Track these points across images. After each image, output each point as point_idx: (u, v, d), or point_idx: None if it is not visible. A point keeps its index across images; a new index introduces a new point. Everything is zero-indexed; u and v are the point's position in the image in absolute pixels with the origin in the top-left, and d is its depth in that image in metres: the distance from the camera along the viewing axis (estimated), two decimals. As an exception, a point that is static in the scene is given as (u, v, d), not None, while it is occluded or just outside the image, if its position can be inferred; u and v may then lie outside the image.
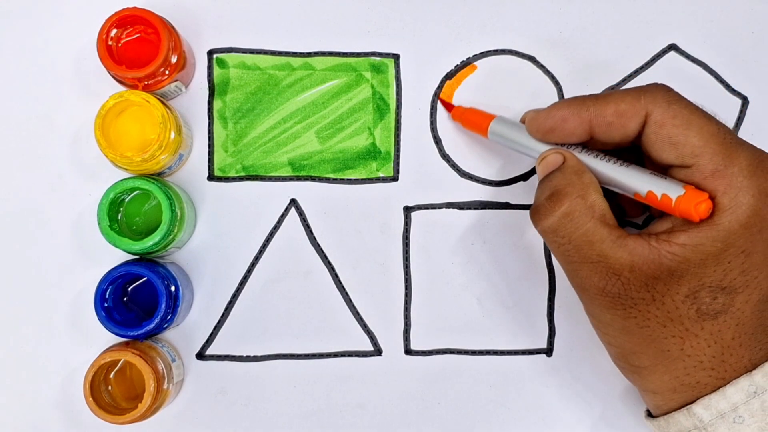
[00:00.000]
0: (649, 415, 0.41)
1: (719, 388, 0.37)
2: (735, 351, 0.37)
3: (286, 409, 0.45)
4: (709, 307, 0.36)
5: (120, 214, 0.43)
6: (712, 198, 0.36)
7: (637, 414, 0.46)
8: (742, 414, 0.36)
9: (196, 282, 0.45)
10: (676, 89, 0.39)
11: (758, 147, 0.37)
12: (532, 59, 0.47)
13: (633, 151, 0.40)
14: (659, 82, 0.39)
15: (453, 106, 0.46)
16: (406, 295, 0.46)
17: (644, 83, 0.46)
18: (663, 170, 0.38)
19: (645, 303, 0.37)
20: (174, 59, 0.42)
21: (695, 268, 0.36)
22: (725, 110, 0.47)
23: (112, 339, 0.43)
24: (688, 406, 0.37)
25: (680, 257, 0.36)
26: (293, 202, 0.46)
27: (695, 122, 0.37)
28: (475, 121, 0.44)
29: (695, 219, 0.36)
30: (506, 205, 0.47)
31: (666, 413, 0.39)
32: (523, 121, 0.42)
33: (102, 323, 0.41)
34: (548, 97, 0.47)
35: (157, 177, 0.43)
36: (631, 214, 0.44)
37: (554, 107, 0.40)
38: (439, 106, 0.46)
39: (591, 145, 0.40)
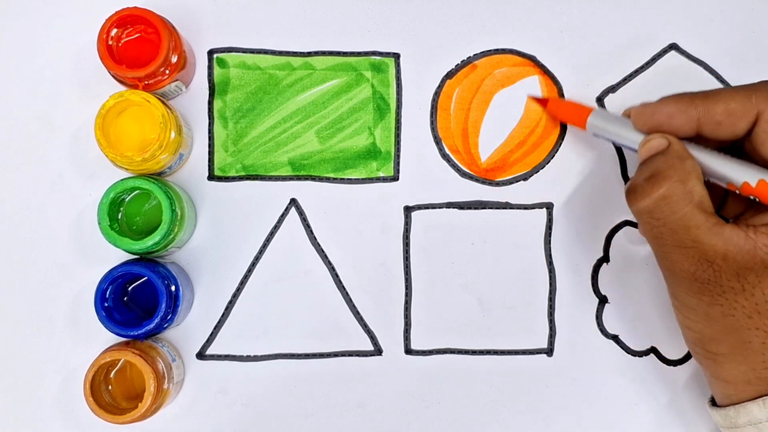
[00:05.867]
0: (714, 404, 0.41)
1: None
2: None
3: (286, 409, 0.45)
4: None
5: (120, 214, 0.43)
6: None
7: (639, 414, 0.46)
8: None
9: (196, 282, 0.45)
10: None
11: None
12: (532, 59, 0.47)
13: (734, 152, 0.40)
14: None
15: (547, 100, 0.46)
16: (406, 295, 0.46)
17: (645, 83, 0.46)
18: None
19: (734, 292, 0.36)
20: (174, 59, 0.42)
21: None
22: (725, 110, 0.47)
23: (112, 339, 0.43)
24: (764, 398, 0.37)
25: None
26: (293, 201, 0.46)
27: None
28: (571, 114, 0.44)
29: None
30: (506, 205, 0.47)
31: (736, 404, 0.39)
32: (626, 114, 0.42)
33: (102, 323, 0.41)
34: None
35: (157, 177, 0.43)
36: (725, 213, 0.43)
37: (662, 103, 0.39)
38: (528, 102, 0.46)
39: (696, 141, 0.40)
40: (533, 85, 0.47)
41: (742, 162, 0.39)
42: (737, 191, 0.39)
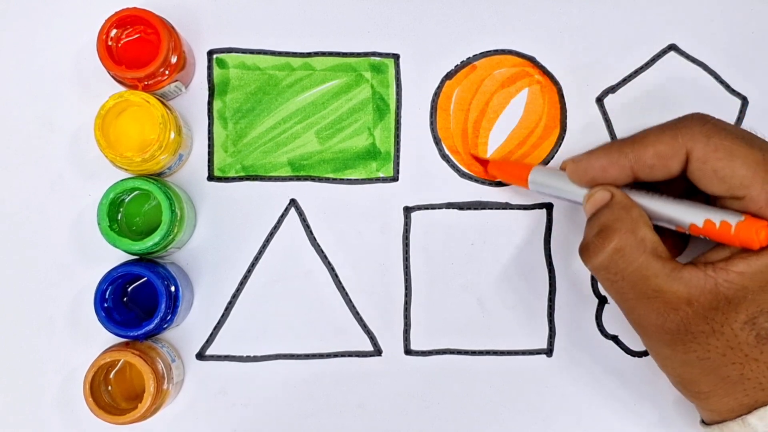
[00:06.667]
0: (704, 423, 0.41)
1: None
2: None
3: (286, 409, 0.45)
4: None
5: (120, 215, 0.43)
6: None
7: (639, 414, 0.46)
8: None
9: (196, 282, 0.45)
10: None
11: None
12: (532, 59, 0.47)
13: (685, 180, 0.39)
14: (697, 112, 0.38)
15: (487, 161, 0.46)
16: (406, 295, 0.46)
17: (644, 83, 0.46)
18: (714, 202, 0.38)
19: (705, 336, 0.36)
20: (174, 59, 0.42)
21: (753, 295, 0.36)
22: (725, 110, 0.46)
23: (112, 339, 0.43)
24: (743, 417, 0.37)
25: (738, 285, 0.35)
26: (293, 202, 0.46)
27: (738, 152, 0.36)
28: (512, 173, 0.44)
29: (755, 246, 0.35)
30: (506, 205, 0.47)
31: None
32: (562, 168, 0.41)
33: (102, 323, 0.41)
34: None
35: (157, 177, 0.43)
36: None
37: (592, 156, 0.39)
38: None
39: (636, 183, 0.40)
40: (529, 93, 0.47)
41: (686, 203, 0.38)
42: (686, 233, 0.38)
